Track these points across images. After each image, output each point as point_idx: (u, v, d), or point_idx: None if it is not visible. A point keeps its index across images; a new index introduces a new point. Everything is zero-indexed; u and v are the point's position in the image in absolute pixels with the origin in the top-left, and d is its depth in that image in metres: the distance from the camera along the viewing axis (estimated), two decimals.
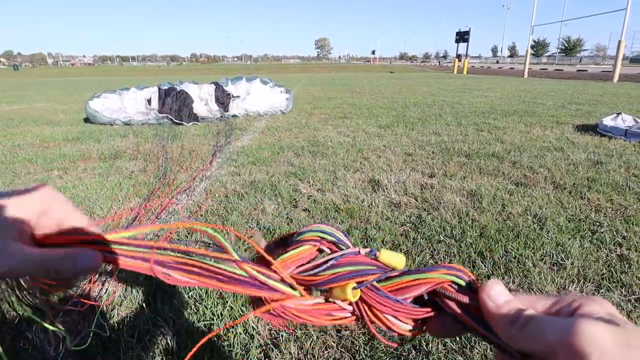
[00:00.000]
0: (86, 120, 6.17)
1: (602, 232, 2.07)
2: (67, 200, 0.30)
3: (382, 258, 0.32)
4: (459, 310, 0.29)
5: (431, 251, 1.94)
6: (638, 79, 16.09)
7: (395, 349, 1.30)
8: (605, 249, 1.91)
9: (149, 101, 6.00)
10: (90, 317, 1.43)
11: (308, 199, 2.65)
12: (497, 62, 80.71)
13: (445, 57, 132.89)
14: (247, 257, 0.31)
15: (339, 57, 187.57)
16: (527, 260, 1.81)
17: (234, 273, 0.29)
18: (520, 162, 3.43)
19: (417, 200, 2.59)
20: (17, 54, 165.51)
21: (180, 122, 5.77)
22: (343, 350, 1.30)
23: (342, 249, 0.33)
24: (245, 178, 3.13)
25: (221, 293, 1.60)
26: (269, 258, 0.30)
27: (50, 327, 0.35)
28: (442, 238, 2.06)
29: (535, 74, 23.12)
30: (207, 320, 1.45)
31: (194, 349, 0.69)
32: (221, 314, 1.47)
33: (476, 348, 1.28)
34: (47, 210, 0.28)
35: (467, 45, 31.03)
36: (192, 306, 1.53)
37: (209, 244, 0.30)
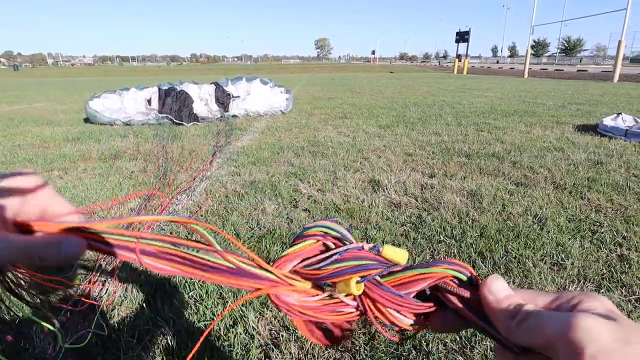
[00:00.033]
0: (86, 120, 6.18)
1: (602, 232, 2.07)
2: (50, 187, 0.29)
3: (385, 253, 0.32)
4: (460, 305, 0.29)
5: (431, 251, 1.94)
6: (638, 79, 16.09)
7: (395, 349, 1.30)
8: (606, 249, 1.91)
9: (149, 101, 6.00)
10: (90, 317, 1.43)
11: (308, 199, 2.65)
12: (497, 62, 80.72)
13: (445, 57, 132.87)
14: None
15: (339, 57, 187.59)
16: (527, 261, 1.81)
17: (219, 264, 0.29)
18: (520, 162, 3.43)
19: (417, 201, 2.59)
20: (17, 54, 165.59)
21: (180, 122, 5.77)
22: (343, 350, 1.30)
23: (347, 245, 0.33)
24: (246, 178, 3.13)
25: (221, 293, 1.60)
26: (218, 247, 0.30)
27: (42, 322, 0.35)
28: (442, 238, 2.06)
29: (536, 74, 23.12)
30: (207, 321, 1.45)
31: (194, 349, 0.69)
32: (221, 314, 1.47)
33: (476, 348, 1.28)
34: (30, 196, 0.28)
35: (467, 45, 31.02)
36: (192, 306, 1.53)
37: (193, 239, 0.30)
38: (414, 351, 1.29)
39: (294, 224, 2.25)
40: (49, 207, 0.29)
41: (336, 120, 5.97)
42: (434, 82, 16.80)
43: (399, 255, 0.32)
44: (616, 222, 2.19)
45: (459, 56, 31.48)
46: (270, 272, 0.30)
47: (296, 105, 7.53)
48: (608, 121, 4.66)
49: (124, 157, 3.90)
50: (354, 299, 0.32)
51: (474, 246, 1.96)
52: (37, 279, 0.32)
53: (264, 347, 1.33)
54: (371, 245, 0.33)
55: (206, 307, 1.51)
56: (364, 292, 0.31)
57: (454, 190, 2.76)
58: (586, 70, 25.69)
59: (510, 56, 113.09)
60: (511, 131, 4.87)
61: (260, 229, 2.21)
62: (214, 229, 0.29)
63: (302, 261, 0.33)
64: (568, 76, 20.55)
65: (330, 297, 0.32)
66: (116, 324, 1.43)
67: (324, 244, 0.34)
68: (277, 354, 1.29)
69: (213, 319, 1.45)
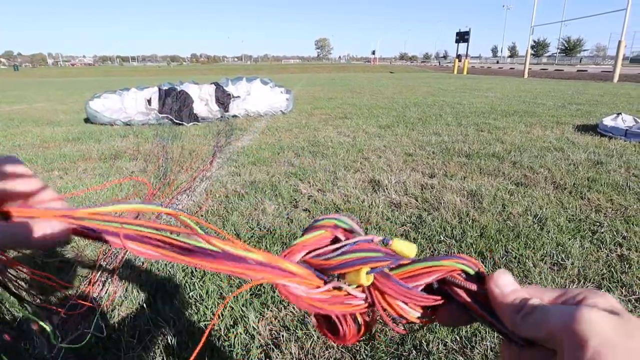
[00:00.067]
0: (86, 120, 6.18)
1: (603, 232, 2.07)
2: (32, 172, 0.30)
3: (394, 247, 0.33)
4: (468, 298, 0.29)
5: (432, 251, 1.94)
6: (638, 79, 16.09)
7: (395, 349, 1.30)
8: (606, 249, 1.91)
9: (149, 101, 6.00)
10: (90, 317, 1.43)
11: (308, 199, 2.65)
12: (497, 62, 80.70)
13: (445, 57, 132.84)
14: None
15: (339, 57, 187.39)
16: (527, 261, 1.81)
17: (206, 249, 0.29)
18: (520, 162, 3.44)
19: (417, 201, 2.59)
20: (17, 54, 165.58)
21: (180, 122, 5.77)
22: (344, 350, 1.31)
23: (357, 237, 0.34)
24: (246, 178, 3.13)
25: (221, 293, 1.60)
26: (200, 231, 0.30)
27: (36, 319, 0.36)
28: (442, 238, 2.06)
29: (536, 74, 23.12)
30: (207, 321, 1.45)
31: (197, 349, 0.69)
32: (222, 314, 1.47)
33: (477, 348, 1.28)
34: (14, 183, 0.28)
35: (467, 45, 31.03)
36: (193, 306, 1.53)
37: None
38: (414, 351, 1.29)
39: (294, 224, 2.25)
40: (34, 193, 0.29)
41: (336, 121, 5.97)
42: (434, 82, 16.80)
43: (408, 248, 0.33)
44: (616, 222, 2.20)
45: (459, 56, 31.48)
46: (258, 255, 0.30)
47: (296, 106, 7.53)
48: (608, 121, 4.66)
49: (124, 157, 3.90)
50: (363, 291, 0.32)
51: (474, 246, 1.96)
52: (37, 277, 0.32)
53: (265, 347, 1.33)
54: (381, 238, 0.33)
55: (206, 307, 1.51)
56: (373, 284, 0.31)
57: (454, 190, 2.76)
58: (586, 71, 25.69)
59: (510, 56, 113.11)
60: (511, 131, 4.87)
61: (260, 229, 2.21)
62: (202, 223, 0.30)
63: (311, 251, 0.33)
64: (568, 76, 20.55)
65: (338, 289, 0.32)
66: (117, 324, 1.43)
67: (334, 236, 0.34)
68: (278, 354, 1.29)
69: (213, 319, 1.45)
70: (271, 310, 1.49)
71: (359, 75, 28.80)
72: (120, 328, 1.40)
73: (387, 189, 2.81)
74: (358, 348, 1.31)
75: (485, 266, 1.78)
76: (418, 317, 0.32)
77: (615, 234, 2.06)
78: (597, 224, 2.19)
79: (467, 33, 31.05)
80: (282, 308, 1.51)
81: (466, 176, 3.10)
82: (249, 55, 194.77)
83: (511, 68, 36.15)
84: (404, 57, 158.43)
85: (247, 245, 0.30)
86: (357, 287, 0.32)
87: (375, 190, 2.81)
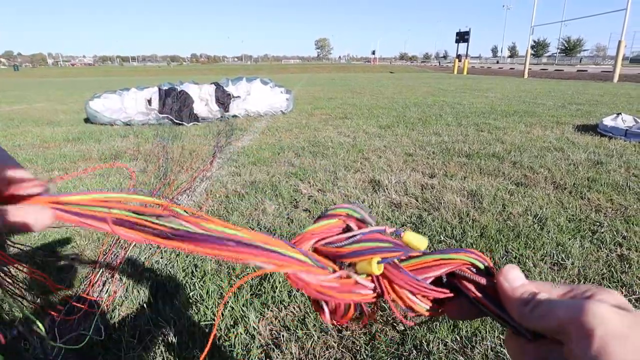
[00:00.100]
0: (86, 120, 6.18)
1: (603, 232, 2.07)
2: (12, 158, 0.30)
3: (405, 238, 0.33)
4: (477, 292, 0.30)
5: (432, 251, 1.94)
6: (638, 79, 16.09)
7: (396, 348, 1.30)
8: (606, 249, 1.91)
9: (150, 101, 6.01)
10: (91, 317, 1.43)
11: (309, 199, 2.65)
12: (497, 62, 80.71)
13: (445, 57, 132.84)
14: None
15: (339, 57, 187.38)
16: (527, 260, 1.81)
17: (193, 233, 0.29)
18: (520, 162, 3.44)
19: (417, 201, 2.60)
20: (17, 54, 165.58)
21: (180, 122, 5.77)
22: (344, 350, 1.31)
23: (369, 227, 0.34)
24: (246, 178, 3.13)
25: (222, 293, 1.60)
26: (182, 212, 0.30)
27: (28, 315, 0.36)
28: (442, 238, 2.06)
29: (536, 74, 23.13)
30: (208, 321, 1.45)
31: (205, 351, 0.69)
32: (222, 314, 1.47)
33: (477, 348, 1.29)
34: None
35: (467, 45, 31.03)
36: (193, 306, 1.53)
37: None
38: (414, 351, 1.29)
39: (295, 224, 2.25)
40: (16, 178, 0.29)
41: (336, 121, 5.97)
42: (434, 82, 16.80)
43: (419, 241, 0.33)
44: (616, 222, 2.20)
45: (459, 56, 31.48)
46: (250, 237, 0.30)
47: (296, 106, 7.53)
48: (608, 121, 4.66)
49: (124, 158, 3.90)
50: (372, 281, 0.32)
51: (474, 246, 1.96)
52: (34, 275, 0.33)
53: (265, 347, 1.33)
54: (393, 229, 0.34)
55: (207, 307, 1.51)
56: (383, 274, 0.31)
57: (454, 191, 2.76)
58: (586, 71, 25.70)
59: (510, 56, 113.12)
60: (511, 131, 4.87)
61: (260, 229, 2.21)
62: (190, 210, 0.30)
63: (323, 239, 0.33)
64: (568, 76, 20.55)
65: (347, 277, 0.32)
66: (117, 324, 1.43)
67: (347, 225, 0.34)
68: (278, 354, 1.29)
69: (214, 319, 1.45)
70: (271, 310, 1.50)
71: (359, 75, 28.80)
72: (121, 328, 1.40)
73: (387, 189, 2.81)
74: (358, 348, 1.31)
75: None
76: (426, 310, 0.32)
77: (615, 233, 2.06)
78: (597, 223, 2.19)
79: (467, 33, 31.05)
80: (283, 308, 1.51)
81: (466, 176, 3.11)
82: (249, 55, 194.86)
83: (511, 68, 36.15)
84: (404, 57, 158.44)
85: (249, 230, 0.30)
86: (367, 276, 0.32)
87: (376, 190, 2.81)
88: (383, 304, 1.49)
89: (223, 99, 6.41)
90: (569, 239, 2.00)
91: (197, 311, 1.50)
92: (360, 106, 7.78)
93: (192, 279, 1.70)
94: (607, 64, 50.08)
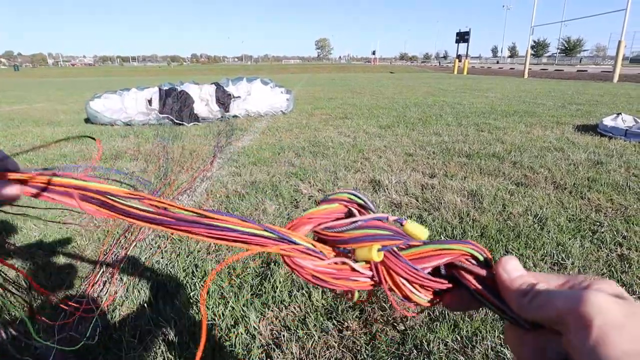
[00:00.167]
0: (87, 120, 6.18)
1: (603, 232, 2.07)
2: None
3: (407, 227, 0.33)
4: (476, 283, 0.30)
5: None
6: (638, 79, 16.09)
7: (396, 348, 1.30)
8: (606, 249, 1.91)
9: (150, 101, 6.01)
10: (89, 319, 1.43)
11: (309, 199, 2.65)
12: (498, 62, 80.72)
13: (445, 57, 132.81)
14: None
15: (340, 57, 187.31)
16: (527, 260, 1.81)
17: (154, 213, 0.29)
18: (520, 162, 3.44)
19: (417, 201, 2.60)
20: (18, 55, 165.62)
21: (181, 122, 5.77)
22: (345, 350, 1.31)
23: (371, 213, 0.34)
24: (246, 178, 3.13)
25: (222, 293, 1.60)
26: (147, 194, 0.31)
27: (14, 307, 0.36)
28: (443, 238, 2.06)
29: (536, 74, 23.13)
30: (208, 320, 1.45)
31: (200, 351, 0.69)
32: (223, 314, 1.47)
33: (477, 347, 1.29)
34: None
35: (468, 45, 31.03)
36: (194, 306, 1.53)
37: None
38: (415, 351, 1.29)
39: None
40: None
41: (337, 121, 5.97)
42: (434, 82, 16.80)
43: (420, 231, 0.33)
44: (616, 221, 2.20)
45: (459, 56, 31.48)
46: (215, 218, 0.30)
47: (297, 106, 7.53)
48: (608, 121, 4.66)
49: (124, 158, 3.90)
50: (370, 269, 0.32)
51: None
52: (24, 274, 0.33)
53: (266, 347, 1.33)
54: (396, 217, 0.34)
55: (207, 307, 1.51)
56: (381, 262, 0.31)
57: (454, 190, 2.76)
58: (586, 71, 25.70)
59: (510, 56, 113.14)
60: (511, 131, 4.87)
61: None
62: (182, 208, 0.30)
63: (321, 223, 0.33)
64: (568, 76, 20.55)
65: (345, 264, 0.32)
66: (118, 324, 1.44)
67: (349, 209, 0.34)
68: (279, 354, 1.29)
69: (214, 319, 1.46)
70: (272, 310, 1.50)
71: (359, 75, 28.81)
72: (122, 328, 1.41)
73: (387, 189, 2.82)
74: (359, 348, 1.31)
75: None
76: (426, 301, 0.32)
77: (615, 233, 2.06)
78: (597, 223, 2.19)
79: (467, 33, 31.05)
80: (283, 308, 1.51)
81: (466, 176, 3.11)
82: (249, 55, 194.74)
83: (511, 68, 36.16)
84: (404, 57, 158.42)
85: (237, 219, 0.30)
86: (365, 264, 0.32)
87: (376, 190, 2.81)
88: (384, 304, 1.49)
89: (223, 99, 6.42)
90: (569, 239, 2.00)
91: (197, 311, 1.50)
92: (361, 106, 7.78)
93: (192, 279, 1.70)
94: (607, 64, 50.08)
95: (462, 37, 31.53)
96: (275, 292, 1.59)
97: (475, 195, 2.66)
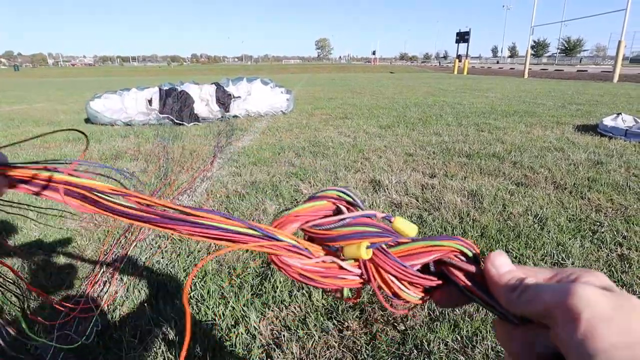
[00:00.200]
0: (87, 120, 6.18)
1: (603, 232, 2.07)
2: None
3: (395, 225, 0.32)
4: (465, 280, 0.30)
5: None
6: (638, 79, 16.10)
7: (397, 348, 1.30)
8: (606, 249, 1.91)
9: (150, 102, 6.01)
10: (90, 317, 1.44)
11: None
12: (498, 62, 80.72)
13: (445, 57, 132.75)
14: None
15: (340, 57, 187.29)
16: (528, 260, 1.81)
17: (141, 211, 0.30)
18: (520, 162, 3.44)
19: (418, 201, 2.60)
20: (18, 55, 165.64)
21: (181, 122, 5.77)
22: (345, 350, 1.31)
23: (359, 210, 0.33)
24: (246, 178, 3.13)
25: (222, 293, 1.60)
26: (132, 192, 0.31)
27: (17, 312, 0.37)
28: None
29: (536, 74, 23.13)
30: (209, 320, 1.45)
31: (188, 343, 0.70)
32: (223, 314, 1.47)
33: (477, 347, 1.29)
34: None
35: (468, 45, 31.04)
36: (194, 306, 1.53)
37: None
38: (415, 350, 1.29)
39: None
40: None
41: (337, 121, 5.97)
42: (435, 82, 16.81)
43: (409, 228, 0.32)
44: (616, 221, 2.20)
45: (459, 56, 31.49)
46: (196, 215, 0.29)
47: (297, 106, 7.53)
48: (608, 121, 4.66)
49: (124, 158, 3.90)
50: (359, 267, 0.31)
51: None
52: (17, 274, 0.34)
53: (266, 347, 1.33)
54: (384, 214, 0.33)
55: (207, 307, 1.52)
56: (370, 259, 0.31)
57: (454, 190, 2.76)
58: (586, 71, 25.71)
59: (510, 56, 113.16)
60: (511, 131, 4.87)
61: None
62: (149, 197, 0.30)
63: (309, 221, 0.33)
64: (568, 76, 20.56)
65: (333, 262, 0.31)
66: (118, 324, 1.44)
67: (337, 207, 0.34)
68: (279, 354, 1.30)
69: (215, 319, 1.46)
70: (272, 310, 1.50)
71: (359, 75, 28.81)
72: (122, 328, 1.41)
73: (387, 189, 2.82)
74: (359, 348, 1.31)
75: None
76: (415, 298, 0.31)
77: (615, 233, 2.06)
78: (598, 223, 2.19)
79: (467, 33, 31.06)
80: (284, 308, 1.51)
81: (467, 176, 3.11)
82: (250, 55, 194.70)
83: (511, 68, 36.16)
84: (404, 57, 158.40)
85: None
86: (354, 262, 0.31)
87: (376, 190, 2.81)
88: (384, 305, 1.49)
89: (223, 99, 6.42)
90: (569, 239, 2.00)
91: (197, 311, 1.50)
92: (361, 106, 7.78)
93: (192, 279, 1.70)
94: (607, 64, 50.08)
95: (462, 37, 31.54)
96: (275, 292, 1.59)
97: (475, 195, 2.66)
